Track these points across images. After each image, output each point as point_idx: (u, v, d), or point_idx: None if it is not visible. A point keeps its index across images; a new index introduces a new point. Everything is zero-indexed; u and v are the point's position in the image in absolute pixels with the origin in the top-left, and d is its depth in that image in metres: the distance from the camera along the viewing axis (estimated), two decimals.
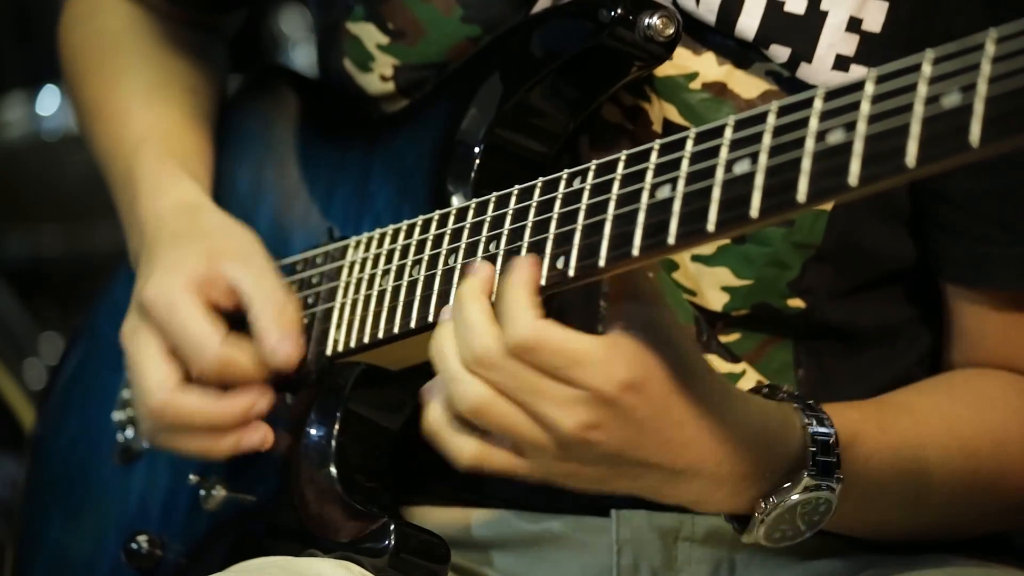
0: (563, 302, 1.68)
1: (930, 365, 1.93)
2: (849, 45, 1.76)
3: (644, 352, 1.55)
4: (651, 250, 1.49)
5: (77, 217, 3.78)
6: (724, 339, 1.85)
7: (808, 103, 1.39)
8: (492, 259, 1.65)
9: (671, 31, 1.72)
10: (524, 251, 1.62)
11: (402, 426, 1.81)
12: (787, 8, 1.77)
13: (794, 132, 1.39)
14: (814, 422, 1.66)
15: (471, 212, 1.71)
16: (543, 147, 1.81)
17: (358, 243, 1.86)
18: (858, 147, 1.33)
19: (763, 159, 1.41)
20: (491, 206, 1.69)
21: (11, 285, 3.66)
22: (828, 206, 1.81)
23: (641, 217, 1.51)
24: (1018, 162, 1.73)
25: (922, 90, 1.30)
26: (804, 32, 1.77)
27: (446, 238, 1.73)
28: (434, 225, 1.75)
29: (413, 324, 1.73)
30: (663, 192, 1.50)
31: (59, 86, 3.73)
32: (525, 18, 1.83)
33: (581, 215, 1.57)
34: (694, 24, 1.79)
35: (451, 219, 1.73)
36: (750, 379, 1.84)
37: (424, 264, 1.74)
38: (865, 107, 1.34)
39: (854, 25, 1.76)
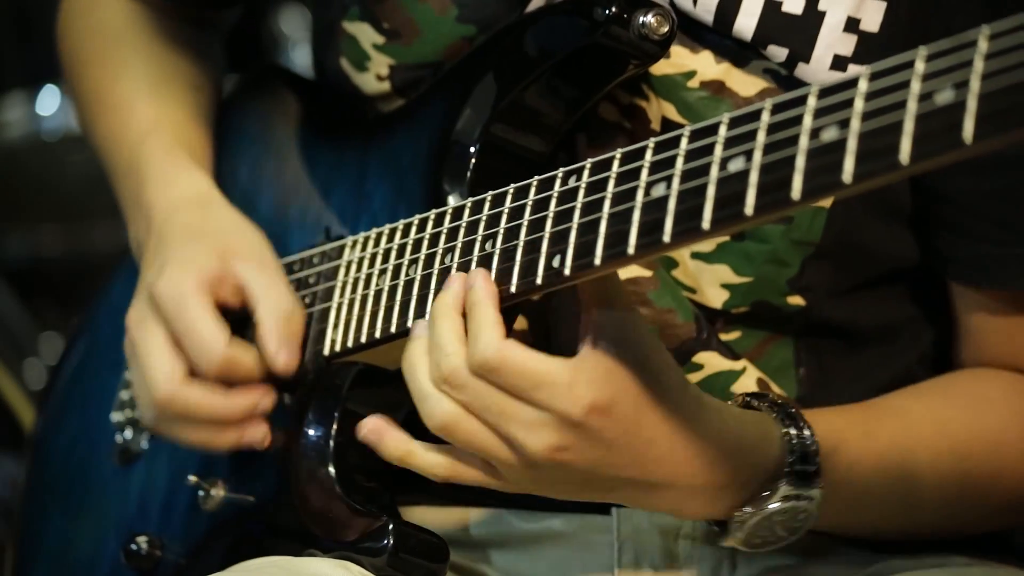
0: (561, 304, 1.69)
1: (932, 364, 1.93)
2: (847, 45, 1.76)
3: (611, 372, 1.56)
4: (647, 248, 1.49)
5: (77, 217, 3.79)
6: (725, 337, 1.85)
7: (802, 100, 1.39)
8: (488, 258, 1.65)
9: (666, 29, 1.71)
10: (520, 250, 1.62)
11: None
12: (785, 8, 1.77)
13: (788, 129, 1.39)
14: (793, 431, 1.67)
15: (467, 211, 1.71)
16: (539, 146, 1.81)
17: (355, 243, 1.86)
18: (852, 144, 1.33)
19: (757, 156, 1.41)
20: (487, 205, 1.68)
21: (11, 285, 3.66)
22: (827, 203, 1.81)
23: (636, 215, 1.50)
24: (1019, 162, 1.74)
25: (915, 87, 1.30)
26: (802, 32, 1.77)
27: (442, 237, 1.73)
28: (430, 224, 1.75)
29: (410, 323, 1.73)
30: (658, 190, 1.49)
31: (59, 86, 3.74)
32: (520, 17, 1.83)
33: (576, 213, 1.57)
34: (691, 23, 1.79)
35: (447, 218, 1.73)
36: (751, 376, 1.84)
37: (420, 263, 1.74)
38: (859, 104, 1.34)
39: (852, 25, 1.76)
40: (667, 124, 1.81)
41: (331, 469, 1.80)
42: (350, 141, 1.97)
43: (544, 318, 1.84)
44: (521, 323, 1.84)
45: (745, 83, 1.79)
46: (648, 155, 1.53)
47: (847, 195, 1.36)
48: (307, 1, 2.12)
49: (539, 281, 1.59)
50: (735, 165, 1.42)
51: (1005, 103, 1.24)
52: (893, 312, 1.92)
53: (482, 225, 1.68)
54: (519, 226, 1.63)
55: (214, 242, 1.92)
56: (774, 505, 1.65)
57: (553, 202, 1.60)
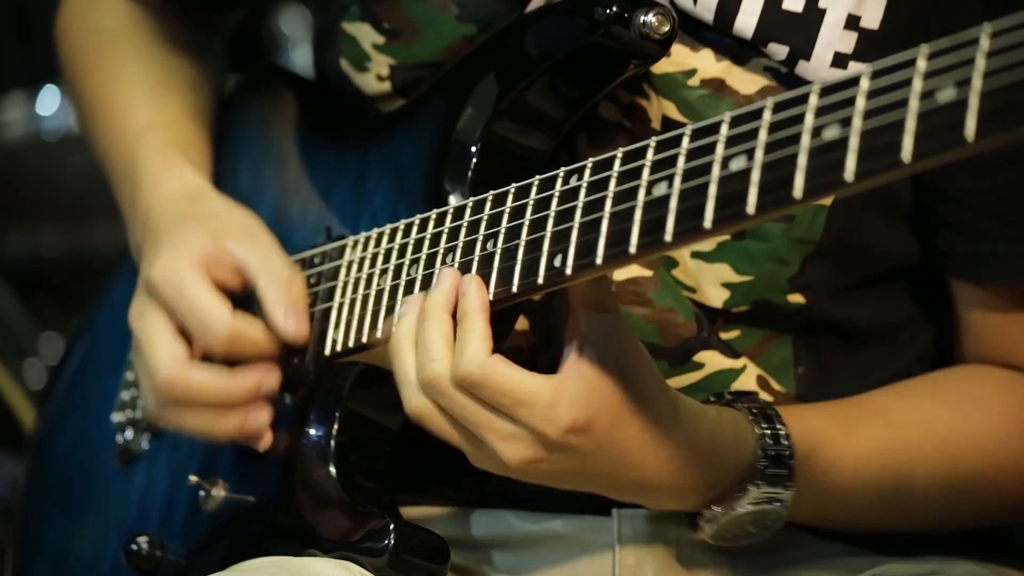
0: (562, 304, 1.68)
1: (931, 363, 1.93)
2: (847, 43, 1.76)
3: (593, 390, 1.58)
4: (648, 247, 1.49)
5: (77, 217, 3.78)
6: (724, 336, 1.85)
7: (804, 99, 1.39)
8: (490, 257, 1.65)
9: (667, 28, 1.71)
10: (521, 249, 1.62)
11: (401, 426, 1.81)
12: (785, 6, 1.77)
13: (790, 128, 1.39)
14: (768, 434, 1.68)
15: (468, 210, 1.71)
16: (540, 145, 1.80)
17: (355, 243, 1.86)
18: (854, 143, 1.33)
19: (759, 155, 1.41)
20: (488, 204, 1.68)
21: (11, 285, 3.66)
22: (827, 201, 1.81)
23: (638, 214, 1.50)
24: (1019, 158, 1.74)
25: (917, 85, 1.30)
26: (802, 30, 1.76)
27: (443, 237, 1.72)
28: (431, 224, 1.75)
29: None
30: (660, 189, 1.49)
31: (59, 86, 3.73)
32: (520, 16, 1.83)
33: (578, 213, 1.57)
34: (691, 22, 1.79)
35: (448, 218, 1.73)
36: (751, 374, 1.84)
37: (422, 263, 1.74)
38: (860, 103, 1.34)
39: (852, 23, 1.76)
40: (667, 123, 1.80)
41: (332, 469, 1.80)
42: (350, 141, 1.97)
43: (546, 318, 1.84)
44: (523, 323, 1.84)
45: (746, 81, 1.79)
46: (650, 154, 1.52)
47: (849, 193, 1.36)
48: (307, 2, 2.11)
49: (540, 281, 1.59)
50: (737, 164, 1.42)
51: (1007, 101, 1.24)
52: (892, 311, 1.92)
53: (483, 224, 1.68)
54: (520, 225, 1.63)
55: (206, 225, 1.92)
56: (743, 506, 1.68)
57: (554, 201, 1.60)
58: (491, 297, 1.62)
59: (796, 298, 1.84)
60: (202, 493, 1.92)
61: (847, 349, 1.90)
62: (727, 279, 1.83)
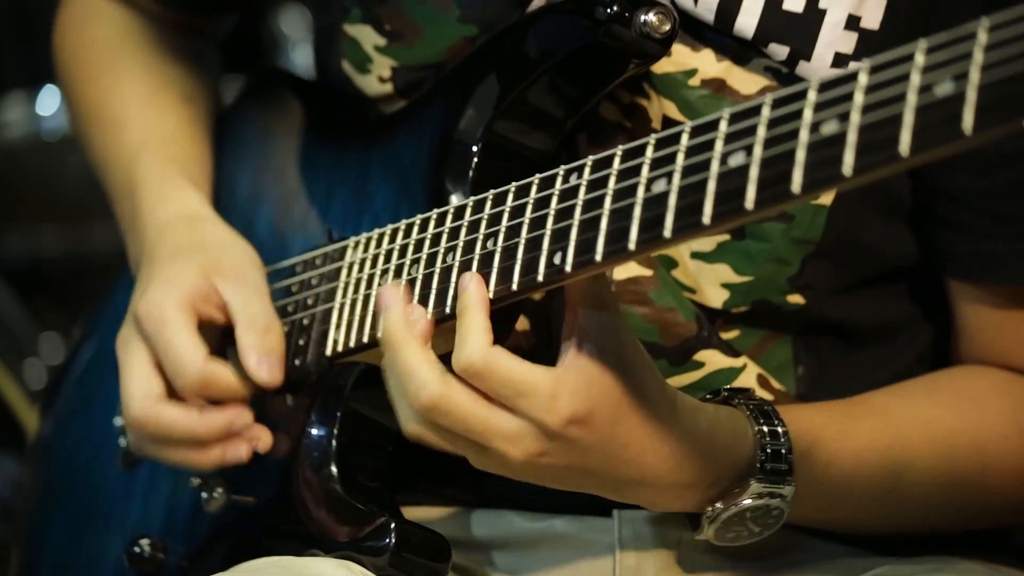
0: (563, 304, 1.69)
1: (930, 363, 1.93)
2: (848, 43, 1.76)
3: (593, 383, 1.58)
4: (648, 244, 1.49)
5: (77, 217, 3.78)
6: (724, 336, 1.85)
7: (802, 95, 1.39)
8: (490, 256, 1.65)
9: (667, 27, 1.72)
10: (521, 247, 1.62)
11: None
12: (786, 6, 1.77)
13: (788, 124, 1.39)
14: (766, 429, 1.68)
15: (468, 210, 1.71)
16: (541, 145, 1.81)
17: (357, 244, 1.86)
18: (852, 137, 1.33)
19: (758, 151, 1.41)
20: (488, 203, 1.68)
21: (11, 285, 3.65)
22: (827, 201, 1.81)
23: (637, 212, 1.50)
24: (1020, 158, 1.74)
25: (915, 79, 1.30)
26: (803, 30, 1.77)
27: (444, 236, 1.73)
28: (432, 224, 1.75)
29: None
30: (659, 186, 1.49)
31: (59, 86, 3.73)
32: (521, 16, 1.83)
33: (577, 211, 1.57)
34: (692, 22, 1.79)
35: (449, 217, 1.73)
36: (751, 373, 1.84)
37: (422, 263, 1.74)
38: (859, 97, 1.34)
39: (852, 23, 1.76)
40: (668, 123, 1.80)
41: (333, 469, 1.81)
42: (352, 143, 1.97)
43: (547, 319, 1.84)
44: (523, 324, 1.84)
45: (746, 81, 1.79)
46: (649, 151, 1.53)
47: (847, 188, 1.36)
48: (307, 3, 2.12)
49: (540, 278, 1.59)
50: (735, 160, 1.42)
51: (1004, 94, 1.24)
52: (892, 311, 1.92)
53: (483, 224, 1.68)
54: (520, 224, 1.63)
55: (199, 259, 1.93)
56: (746, 502, 1.67)
57: (554, 200, 1.60)
58: (491, 295, 1.62)
59: (796, 298, 1.84)
60: (204, 495, 1.93)
61: (847, 349, 1.90)
62: (727, 279, 1.83)
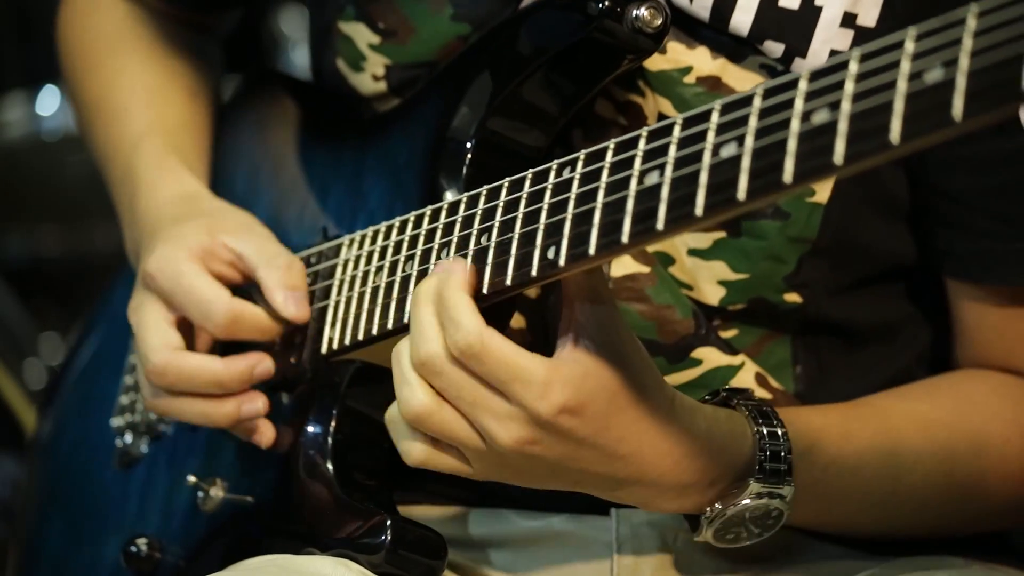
0: (559, 301, 1.68)
1: (930, 363, 1.93)
2: (843, 40, 1.76)
3: (588, 374, 1.57)
4: (640, 236, 1.49)
5: (77, 217, 3.79)
6: (723, 334, 1.85)
7: (793, 84, 1.39)
8: (484, 251, 1.65)
9: (659, 22, 1.72)
10: (515, 242, 1.62)
11: None
12: (781, 4, 1.77)
13: (780, 113, 1.39)
14: (765, 430, 1.67)
15: (462, 206, 1.71)
16: (535, 142, 1.81)
17: (351, 241, 1.86)
18: (843, 126, 1.33)
19: (749, 141, 1.41)
20: (482, 199, 1.68)
21: (11, 285, 3.66)
22: (823, 199, 1.80)
23: (630, 204, 1.50)
24: (1019, 157, 1.73)
25: (905, 67, 1.30)
26: (798, 28, 1.77)
27: (438, 232, 1.73)
28: (426, 220, 1.75)
29: (406, 319, 1.73)
30: (651, 179, 1.49)
31: (59, 86, 3.74)
32: (514, 13, 1.84)
33: (571, 204, 1.57)
34: (687, 20, 1.79)
35: (442, 213, 1.73)
36: (749, 371, 1.84)
37: (416, 259, 1.74)
38: (849, 86, 1.34)
39: (848, 20, 1.76)
40: (662, 120, 1.80)
41: (330, 466, 1.81)
42: (346, 141, 1.97)
43: (542, 316, 1.84)
44: (519, 321, 1.84)
45: (741, 78, 1.79)
46: (641, 144, 1.53)
47: (839, 177, 1.36)
48: (306, 2, 2.12)
49: (534, 273, 1.59)
50: (727, 151, 1.42)
51: (993, 79, 1.24)
52: (891, 311, 1.91)
53: (477, 219, 1.68)
54: (514, 219, 1.63)
55: (202, 221, 1.93)
56: (745, 502, 1.66)
57: (547, 194, 1.60)
58: (485, 290, 1.62)
59: (793, 297, 1.84)
60: (200, 494, 1.93)
61: (846, 349, 1.90)
62: (723, 277, 1.83)
